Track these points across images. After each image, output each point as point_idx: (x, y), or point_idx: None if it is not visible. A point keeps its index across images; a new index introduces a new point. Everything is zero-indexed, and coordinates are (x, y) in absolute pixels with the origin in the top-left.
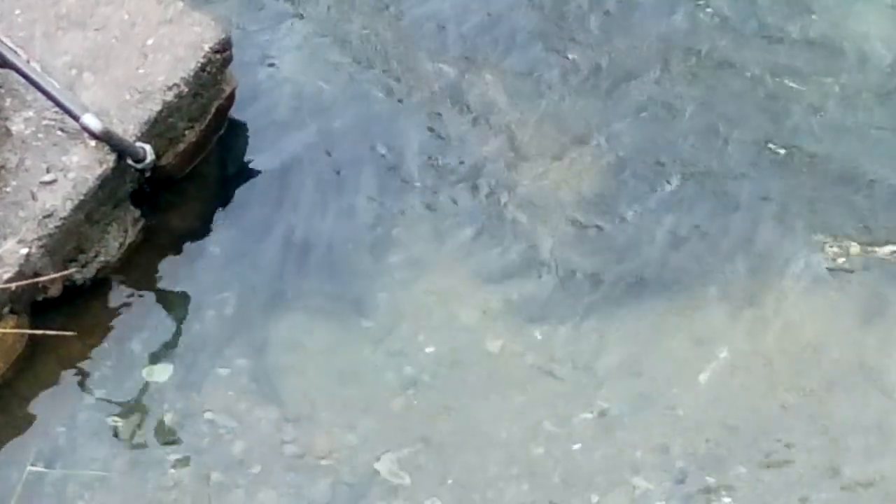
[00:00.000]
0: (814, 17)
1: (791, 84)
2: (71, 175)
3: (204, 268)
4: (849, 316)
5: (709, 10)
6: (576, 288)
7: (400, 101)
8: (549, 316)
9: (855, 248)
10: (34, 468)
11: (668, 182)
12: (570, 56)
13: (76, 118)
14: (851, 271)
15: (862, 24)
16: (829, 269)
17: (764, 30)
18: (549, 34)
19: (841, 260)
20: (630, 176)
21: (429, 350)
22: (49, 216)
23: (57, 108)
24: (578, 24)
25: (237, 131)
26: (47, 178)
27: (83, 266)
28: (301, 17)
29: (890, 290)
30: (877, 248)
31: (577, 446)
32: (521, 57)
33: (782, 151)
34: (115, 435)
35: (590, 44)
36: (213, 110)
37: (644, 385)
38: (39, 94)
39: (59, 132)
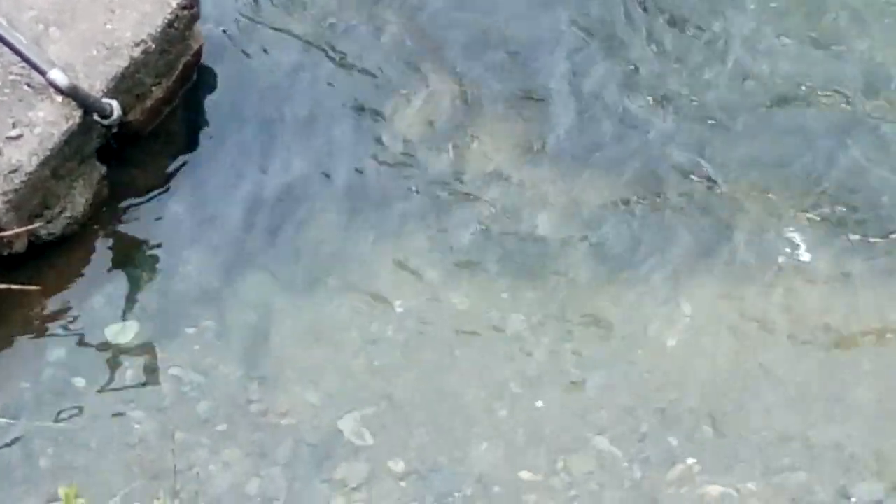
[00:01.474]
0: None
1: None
2: (37, 130)
3: (170, 225)
4: (816, 287)
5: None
6: (542, 249)
7: (373, 58)
8: (516, 275)
9: (823, 226)
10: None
11: (638, 150)
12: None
13: (43, 73)
14: (820, 246)
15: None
16: (798, 245)
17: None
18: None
19: (809, 236)
20: (597, 145)
21: (394, 308)
22: (15, 171)
23: (23, 63)
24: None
25: (204, 88)
26: (13, 133)
27: (49, 222)
28: None
29: (855, 265)
30: (843, 228)
31: (541, 405)
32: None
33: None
34: (80, 391)
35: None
36: (180, 66)
37: (610, 345)
38: (5, 49)
39: (26, 87)
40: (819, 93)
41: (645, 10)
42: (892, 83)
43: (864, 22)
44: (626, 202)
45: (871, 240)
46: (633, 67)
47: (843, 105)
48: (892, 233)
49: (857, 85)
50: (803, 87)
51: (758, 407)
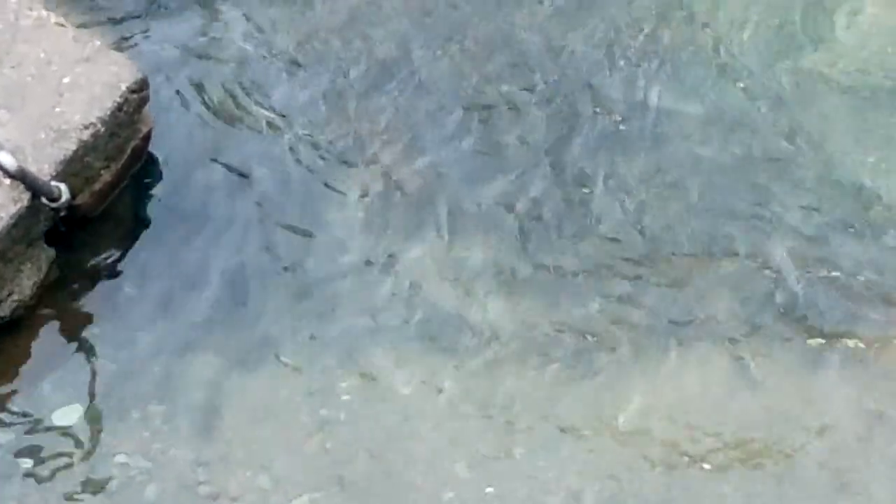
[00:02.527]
0: None
1: None
2: None
3: (118, 308)
4: (751, 373)
5: None
6: (488, 332)
7: (313, 137)
8: (463, 359)
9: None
10: None
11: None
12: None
13: None
14: (755, 330)
15: None
16: (736, 330)
17: None
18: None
19: (746, 322)
20: (543, 221)
21: (344, 391)
22: None
23: None
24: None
25: (153, 171)
26: None
27: None
28: (218, 58)
29: (802, 365)
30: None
31: (489, 490)
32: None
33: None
34: (26, 478)
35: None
36: (129, 150)
37: (557, 428)
38: None
39: None
40: None
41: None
42: None
43: None
44: (575, 288)
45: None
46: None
47: None
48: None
49: None
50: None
51: (707, 492)
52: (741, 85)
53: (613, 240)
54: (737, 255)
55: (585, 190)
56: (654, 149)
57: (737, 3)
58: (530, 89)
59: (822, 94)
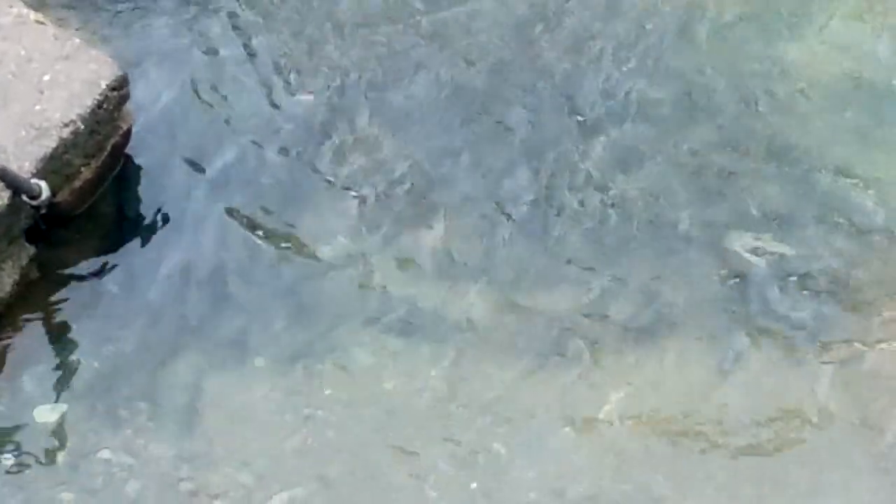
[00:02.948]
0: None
1: None
2: None
3: (100, 306)
4: (730, 369)
5: None
6: (471, 329)
7: (296, 135)
8: (446, 356)
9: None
10: None
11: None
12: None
13: None
14: (735, 326)
15: None
16: (716, 326)
17: None
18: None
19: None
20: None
21: (325, 389)
22: None
23: None
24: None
25: (133, 168)
26: None
27: None
28: (198, 55)
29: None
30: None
31: (473, 486)
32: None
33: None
34: (7, 474)
35: None
36: (109, 147)
37: (540, 427)
38: None
39: None
40: None
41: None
42: None
43: None
44: (556, 285)
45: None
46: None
47: None
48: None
49: None
50: None
51: (688, 491)
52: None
53: (595, 236)
54: (717, 249)
55: (567, 187)
56: (635, 146)
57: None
58: (519, 91)
59: (797, 93)
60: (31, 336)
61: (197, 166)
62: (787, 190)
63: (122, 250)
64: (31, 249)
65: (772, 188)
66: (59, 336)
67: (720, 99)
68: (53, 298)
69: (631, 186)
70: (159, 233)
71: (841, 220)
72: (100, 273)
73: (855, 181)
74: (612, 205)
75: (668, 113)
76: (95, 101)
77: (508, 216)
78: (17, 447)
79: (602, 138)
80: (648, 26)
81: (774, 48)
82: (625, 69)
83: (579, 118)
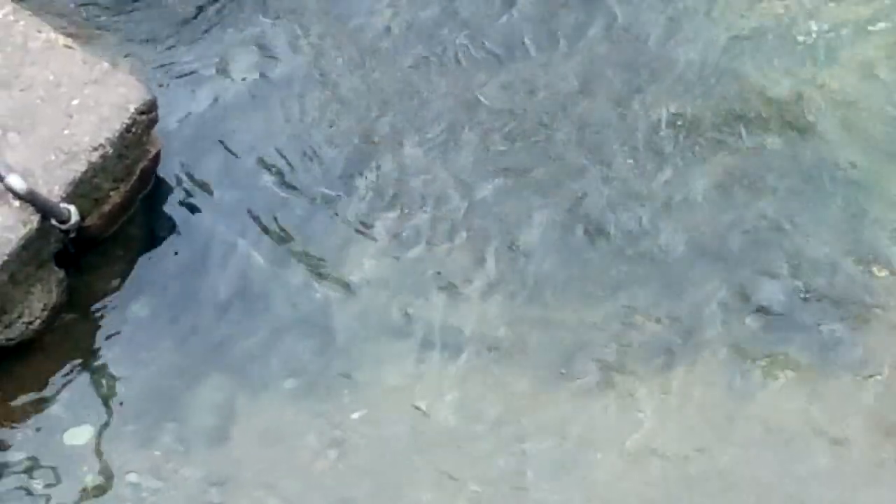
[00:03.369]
0: None
1: None
2: None
3: (129, 329)
4: (775, 384)
5: None
6: (501, 352)
7: (329, 154)
8: (474, 377)
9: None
10: None
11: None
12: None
13: (0, 178)
14: (779, 343)
15: None
16: (749, 346)
17: None
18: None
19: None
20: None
21: (353, 411)
22: None
23: None
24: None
25: (162, 192)
26: None
27: (6, 327)
28: (227, 80)
29: (821, 359)
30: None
31: None
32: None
33: None
34: (37, 498)
35: None
36: (138, 171)
37: (566, 449)
38: None
39: None
40: None
41: None
42: None
43: None
44: (585, 305)
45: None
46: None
47: None
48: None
49: None
50: None
51: None
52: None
53: (622, 254)
54: (741, 264)
55: (593, 204)
56: (661, 162)
57: None
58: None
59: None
60: (60, 359)
61: (225, 189)
62: (810, 209)
63: (150, 274)
64: (61, 273)
65: (794, 204)
66: (88, 359)
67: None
68: (82, 322)
69: (657, 204)
70: (188, 256)
71: (863, 241)
72: (128, 296)
73: (878, 198)
74: (639, 222)
75: (695, 130)
76: (124, 125)
77: (534, 234)
78: (47, 470)
79: (631, 150)
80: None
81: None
82: (664, 93)
83: (606, 136)
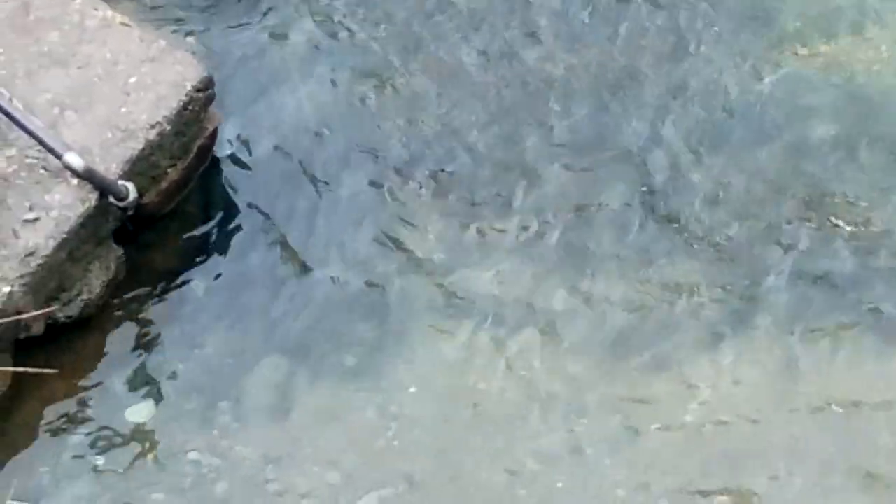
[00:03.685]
0: None
1: None
2: (53, 213)
3: (187, 306)
4: (839, 355)
5: None
6: (558, 326)
7: (385, 132)
8: (532, 352)
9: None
10: (14, 502)
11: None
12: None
13: (59, 156)
14: (842, 310)
15: None
16: (809, 319)
17: None
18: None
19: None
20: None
21: (411, 387)
22: (31, 254)
23: (39, 147)
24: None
25: (220, 168)
26: (30, 216)
27: (65, 304)
28: (284, 53)
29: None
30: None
31: (559, 485)
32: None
33: None
34: (98, 474)
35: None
36: (195, 148)
37: (626, 422)
38: (22, 133)
39: (42, 170)
40: None
41: None
42: None
43: None
44: (642, 281)
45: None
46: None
47: None
48: None
49: None
50: None
51: (777, 482)
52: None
53: (681, 228)
54: (799, 235)
55: (651, 180)
56: (721, 140)
57: None
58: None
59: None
60: (119, 337)
61: (283, 165)
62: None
63: (208, 250)
64: (119, 251)
65: (854, 174)
66: (147, 336)
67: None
68: (141, 299)
69: (718, 177)
70: (245, 233)
71: None
72: (186, 274)
73: None
74: (699, 199)
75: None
76: (181, 103)
77: (591, 211)
78: (108, 448)
79: (689, 131)
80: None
81: None
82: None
83: (667, 113)
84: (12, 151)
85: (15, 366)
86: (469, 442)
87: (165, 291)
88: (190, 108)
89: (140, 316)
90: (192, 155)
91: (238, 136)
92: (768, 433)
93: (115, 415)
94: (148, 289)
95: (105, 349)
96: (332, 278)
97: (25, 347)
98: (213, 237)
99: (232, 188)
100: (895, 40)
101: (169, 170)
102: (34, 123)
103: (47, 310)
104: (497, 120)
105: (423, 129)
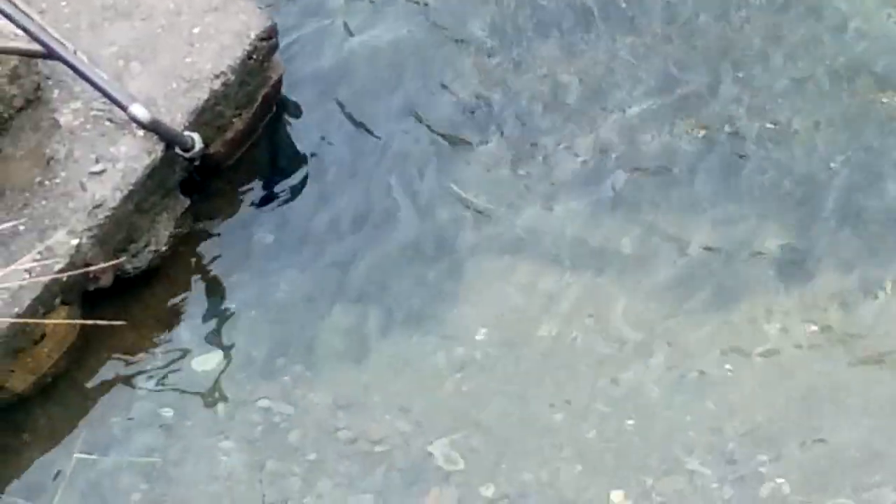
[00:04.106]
0: None
1: None
2: (120, 165)
3: (254, 255)
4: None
5: None
6: (625, 269)
7: (450, 79)
8: (599, 295)
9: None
10: (81, 455)
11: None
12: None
13: (124, 108)
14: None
15: None
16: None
17: None
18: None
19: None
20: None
21: (479, 333)
22: (99, 206)
23: (105, 99)
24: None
25: (285, 118)
26: (96, 168)
27: (133, 256)
28: (348, 2)
29: None
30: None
31: (629, 427)
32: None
33: None
34: (168, 424)
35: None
36: (259, 98)
37: (695, 366)
38: (87, 85)
39: (108, 122)
40: None
41: None
42: None
43: None
44: (708, 222)
45: None
46: None
47: None
48: None
49: None
50: None
51: (846, 425)
52: None
53: (754, 176)
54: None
55: (726, 129)
56: (797, 97)
57: None
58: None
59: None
60: (187, 287)
61: (348, 113)
62: None
63: (275, 199)
64: (186, 201)
65: None
66: (215, 286)
67: None
68: (209, 249)
69: (791, 134)
70: (311, 182)
71: None
72: (254, 223)
73: None
74: (769, 147)
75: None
76: (245, 52)
77: (658, 153)
78: (177, 397)
79: (770, 82)
80: None
81: None
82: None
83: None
84: (78, 104)
85: (84, 318)
86: (537, 386)
87: (233, 241)
88: (254, 57)
89: (208, 266)
90: (256, 104)
91: (303, 84)
92: (837, 376)
93: (184, 365)
94: (216, 238)
95: (173, 300)
96: (398, 225)
97: (94, 300)
98: (280, 186)
99: (297, 137)
100: None
101: (234, 119)
102: (99, 76)
103: (115, 262)
104: (560, 65)
105: (489, 77)
